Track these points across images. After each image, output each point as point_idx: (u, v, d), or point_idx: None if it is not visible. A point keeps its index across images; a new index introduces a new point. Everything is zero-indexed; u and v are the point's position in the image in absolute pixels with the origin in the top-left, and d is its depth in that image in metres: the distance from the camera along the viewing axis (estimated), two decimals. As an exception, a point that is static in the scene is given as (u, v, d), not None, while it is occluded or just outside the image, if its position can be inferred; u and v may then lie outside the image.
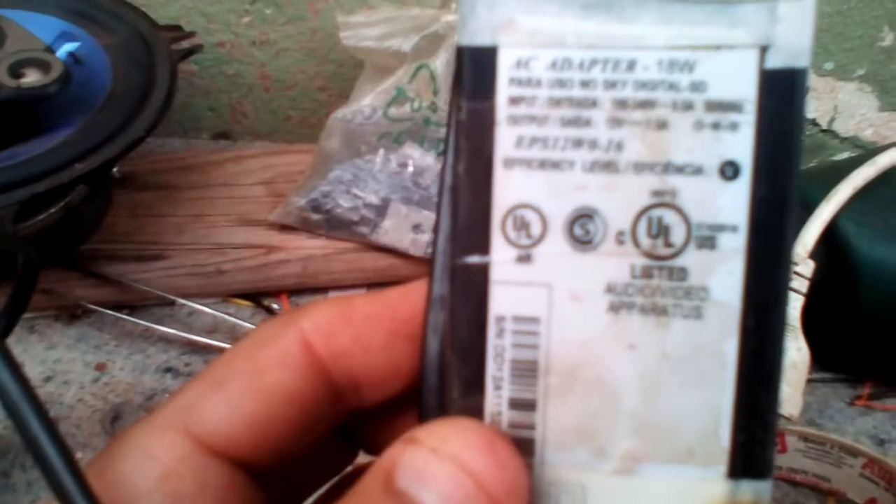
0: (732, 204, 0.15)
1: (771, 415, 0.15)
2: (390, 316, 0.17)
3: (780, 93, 0.14)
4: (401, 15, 0.48)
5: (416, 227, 0.44)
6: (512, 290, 0.15)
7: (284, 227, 0.46)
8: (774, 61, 0.14)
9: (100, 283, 0.44)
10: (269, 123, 0.58)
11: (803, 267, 0.37)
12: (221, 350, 0.42)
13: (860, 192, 0.39)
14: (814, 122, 0.59)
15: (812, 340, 0.36)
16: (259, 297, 0.45)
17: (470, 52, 0.15)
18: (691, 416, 0.15)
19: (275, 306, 0.45)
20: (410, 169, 0.45)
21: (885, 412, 0.41)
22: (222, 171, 0.50)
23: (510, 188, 0.15)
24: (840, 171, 0.40)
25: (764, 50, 0.14)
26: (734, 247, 0.15)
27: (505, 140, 0.15)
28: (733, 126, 0.14)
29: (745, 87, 0.14)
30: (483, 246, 0.15)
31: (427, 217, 0.44)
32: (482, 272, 0.15)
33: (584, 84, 0.15)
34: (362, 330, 0.17)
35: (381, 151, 0.46)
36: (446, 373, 0.16)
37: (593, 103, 0.15)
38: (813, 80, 0.57)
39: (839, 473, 0.38)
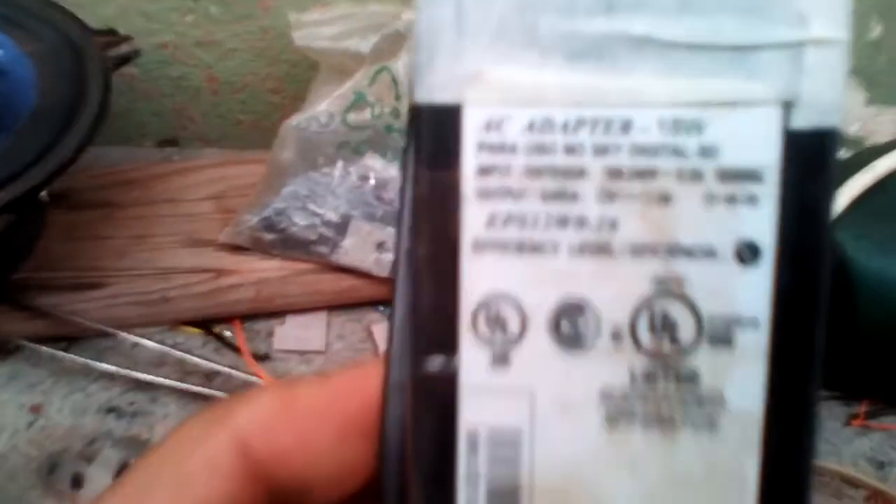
0: (751, 293, 0.13)
1: None
2: (340, 407, 0.15)
3: (808, 158, 0.12)
4: (358, 12, 0.46)
5: (380, 246, 0.42)
6: (486, 398, 0.13)
7: (236, 248, 0.44)
8: (801, 120, 0.12)
9: (33, 315, 0.41)
10: (218, 128, 0.56)
11: None
12: (169, 388, 0.39)
13: (857, 201, 0.38)
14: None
15: None
16: (209, 325, 0.42)
17: (428, 112, 0.13)
18: None
19: (227, 333, 0.42)
20: (372, 182, 0.43)
21: (883, 432, 0.40)
22: (167, 186, 0.47)
23: (482, 276, 0.13)
24: None
25: (788, 107, 0.12)
26: (754, 345, 0.13)
27: (474, 219, 0.13)
28: (752, 199, 0.13)
29: (765, 152, 0.12)
30: (449, 346, 0.13)
31: (392, 234, 0.41)
32: (449, 378, 0.13)
33: (570, 150, 0.13)
34: (308, 426, 0.15)
35: (340, 163, 0.43)
36: (409, 497, 0.14)
37: (581, 173, 0.13)
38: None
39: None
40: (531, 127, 0.13)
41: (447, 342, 0.13)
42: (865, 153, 0.40)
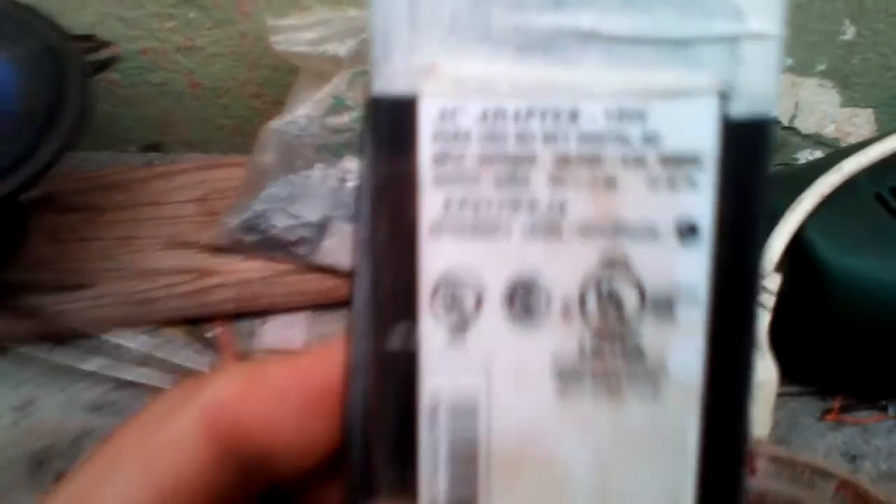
0: (691, 269, 0.13)
1: (738, 497, 0.14)
2: (304, 385, 0.16)
3: (744, 145, 0.13)
4: (336, 17, 0.46)
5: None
6: (445, 371, 0.14)
7: (218, 250, 0.44)
8: (737, 109, 0.13)
9: (18, 317, 0.41)
10: (201, 133, 0.56)
11: (769, 281, 0.36)
12: (153, 388, 0.39)
13: (826, 200, 0.38)
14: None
15: (780, 354, 0.35)
16: (194, 324, 0.43)
17: (385, 103, 0.13)
18: (650, 502, 0.14)
19: (210, 334, 0.42)
20: (351, 184, 0.43)
21: (856, 426, 0.40)
22: (150, 189, 0.47)
23: (438, 257, 0.14)
24: (804, 178, 0.39)
25: (725, 96, 0.13)
26: (694, 318, 0.13)
27: (431, 203, 0.13)
28: (691, 183, 0.13)
29: (704, 139, 0.13)
30: (409, 322, 0.14)
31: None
32: (409, 352, 0.14)
33: (521, 138, 0.13)
34: (272, 403, 0.16)
35: (319, 166, 0.44)
36: (373, 469, 0.14)
37: (531, 160, 0.13)
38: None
39: (811, 496, 0.36)
40: (484, 116, 0.13)
41: (407, 319, 0.14)
42: (837, 155, 0.40)
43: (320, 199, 0.43)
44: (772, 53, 0.13)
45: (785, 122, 0.57)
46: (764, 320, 0.35)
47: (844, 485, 0.35)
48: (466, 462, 0.14)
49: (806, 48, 0.54)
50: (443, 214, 0.13)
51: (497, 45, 0.13)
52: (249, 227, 0.43)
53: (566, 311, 0.13)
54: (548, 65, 0.13)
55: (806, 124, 0.57)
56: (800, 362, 0.40)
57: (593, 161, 0.13)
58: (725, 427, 0.14)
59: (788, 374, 0.40)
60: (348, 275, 0.15)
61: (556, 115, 0.13)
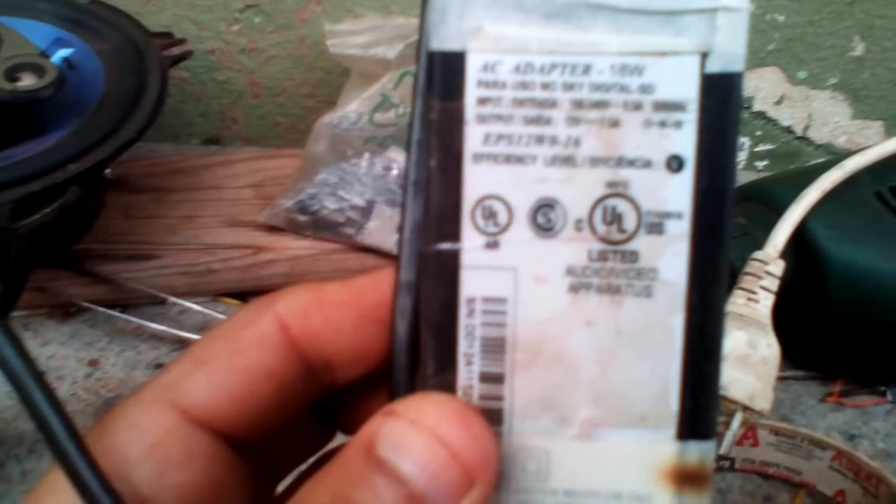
0: (678, 194, 0.16)
1: (714, 383, 0.16)
2: (360, 301, 0.18)
3: (719, 94, 0.16)
4: (386, 23, 0.49)
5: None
6: (481, 273, 0.16)
7: (272, 229, 0.47)
8: (714, 66, 0.16)
9: (93, 281, 0.45)
10: (258, 129, 0.59)
11: (774, 266, 0.38)
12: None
13: (828, 195, 0.40)
14: (789, 130, 0.60)
15: (784, 339, 0.36)
16: (247, 297, 0.46)
17: (440, 57, 0.16)
18: (643, 385, 0.16)
19: (262, 305, 0.46)
20: (395, 172, 0.47)
21: (856, 409, 0.42)
22: (212, 175, 0.51)
23: (479, 181, 0.16)
24: (810, 175, 0.41)
25: (704, 56, 0.16)
26: (680, 232, 0.16)
27: (473, 137, 0.16)
28: (678, 124, 0.16)
29: (688, 89, 0.16)
30: (454, 234, 0.16)
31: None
32: (454, 258, 0.16)
33: (545, 86, 0.16)
34: (334, 314, 0.18)
35: (367, 155, 0.47)
36: (421, 351, 0.17)
37: (553, 103, 0.16)
38: (787, 89, 0.58)
39: (809, 466, 0.38)
40: (517, 69, 0.16)
41: (453, 230, 0.16)
42: (841, 157, 0.42)
43: (366, 185, 0.46)
44: (740, 23, 0.15)
45: (798, 133, 0.59)
46: (768, 302, 0.37)
47: (840, 455, 0.38)
48: (496, 345, 0.16)
49: (818, 62, 0.56)
50: (483, 146, 0.16)
51: (528, 13, 0.16)
52: (301, 208, 0.46)
53: (578, 227, 0.16)
54: (567, 29, 0.16)
55: (819, 135, 0.59)
56: (803, 347, 0.42)
57: (601, 105, 0.16)
58: (705, 320, 0.16)
59: (792, 358, 0.41)
60: (401, 200, 0.17)
61: (573, 69, 0.16)
